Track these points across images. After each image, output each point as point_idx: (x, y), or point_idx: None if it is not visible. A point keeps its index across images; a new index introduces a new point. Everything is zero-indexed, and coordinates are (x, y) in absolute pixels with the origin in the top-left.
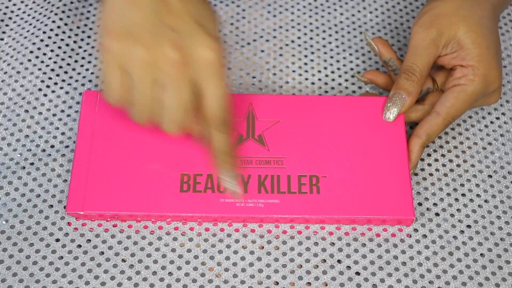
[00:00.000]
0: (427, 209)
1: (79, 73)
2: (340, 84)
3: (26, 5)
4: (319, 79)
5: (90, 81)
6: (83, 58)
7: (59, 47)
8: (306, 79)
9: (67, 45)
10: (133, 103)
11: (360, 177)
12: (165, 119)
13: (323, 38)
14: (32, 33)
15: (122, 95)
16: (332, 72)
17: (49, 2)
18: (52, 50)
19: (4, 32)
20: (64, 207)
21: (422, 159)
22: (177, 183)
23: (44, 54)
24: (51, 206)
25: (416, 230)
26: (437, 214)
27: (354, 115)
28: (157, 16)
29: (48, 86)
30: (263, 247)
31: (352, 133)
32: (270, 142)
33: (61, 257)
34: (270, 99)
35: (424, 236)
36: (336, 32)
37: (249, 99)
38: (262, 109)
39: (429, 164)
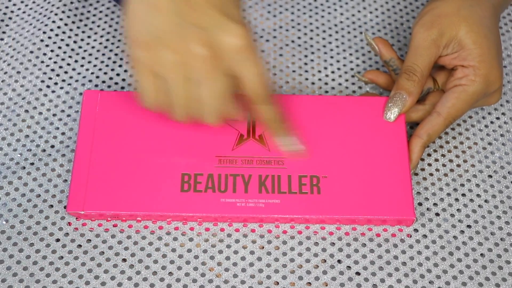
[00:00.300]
0: (427, 209)
1: (79, 73)
2: (340, 84)
3: (26, 5)
4: (319, 79)
5: (90, 81)
6: (83, 58)
7: (59, 47)
8: (306, 79)
9: (67, 45)
10: (172, 104)
11: (361, 177)
12: (205, 112)
13: (323, 38)
14: (32, 33)
15: (160, 99)
16: (332, 72)
17: (49, 2)
18: (52, 50)
19: (4, 32)
20: (64, 207)
21: (422, 159)
22: (177, 183)
23: (44, 54)
24: (51, 206)
25: (416, 230)
26: (437, 214)
27: (355, 115)
28: (180, 17)
29: (48, 86)
30: (263, 247)
31: (352, 133)
32: (270, 142)
33: (61, 257)
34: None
35: (424, 236)
36: (336, 32)
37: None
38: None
39: (429, 164)
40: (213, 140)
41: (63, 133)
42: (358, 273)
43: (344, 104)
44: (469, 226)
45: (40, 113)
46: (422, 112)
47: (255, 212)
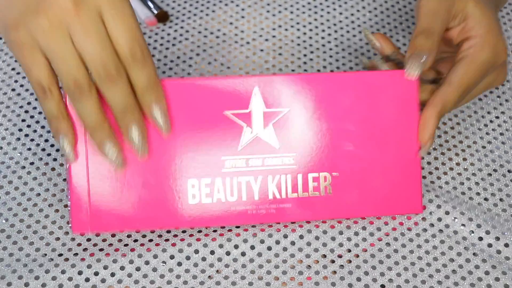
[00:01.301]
0: (429, 200)
1: None
2: None
3: None
4: None
5: None
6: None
7: None
8: None
9: None
10: (61, 71)
11: (371, 173)
12: (96, 65)
13: (323, 38)
14: None
15: (51, 76)
16: (331, 71)
17: None
18: None
19: None
20: (64, 206)
21: (422, 158)
22: (185, 193)
23: None
24: (51, 205)
25: (416, 224)
26: (438, 207)
27: (369, 95)
28: None
29: None
30: (264, 242)
31: (365, 121)
32: (279, 136)
33: (61, 254)
34: (277, 81)
35: (424, 230)
36: (335, 31)
37: (253, 82)
38: (269, 93)
39: (429, 163)
40: (218, 139)
41: None
42: (358, 267)
43: (358, 81)
44: (470, 219)
45: (40, 113)
46: (430, 92)
47: (267, 220)
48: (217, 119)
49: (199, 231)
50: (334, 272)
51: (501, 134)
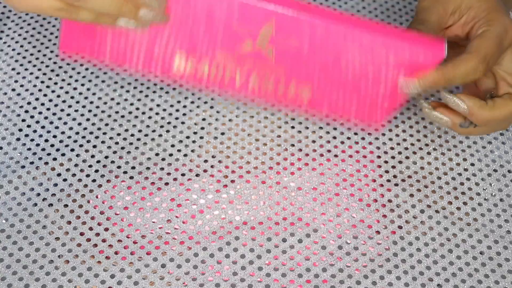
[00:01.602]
0: (428, 205)
1: (78, 73)
2: None
3: None
4: None
5: (90, 81)
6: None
7: None
8: None
9: None
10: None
11: (354, 94)
12: None
13: None
14: (32, 35)
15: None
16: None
17: None
18: (52, 51)
19: (2, 31)
20: (64, 206)
21: (422, 158)
22: (170, 59)
23: (44, 55)
24: (51, 204)
25: (415, 227)
26: (436, 212)
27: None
28: None
29: (48, 87)
30: (263, 245)
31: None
32: (279, 55)
33: (61, 256)
34: (299, 23)
35: (424, 233)
36: None
37: (272, 14)
38: (284, 27)
39: (429, 163)
40: (220, 37)
41: (63, 132)
42: (357, 270)
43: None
44: (468, 224)
45: (40, 113)
46: None
47: (242, 95)
48: (226, 24)
49: (198, 232)
50: (333, 276)
51: (501, 134)
